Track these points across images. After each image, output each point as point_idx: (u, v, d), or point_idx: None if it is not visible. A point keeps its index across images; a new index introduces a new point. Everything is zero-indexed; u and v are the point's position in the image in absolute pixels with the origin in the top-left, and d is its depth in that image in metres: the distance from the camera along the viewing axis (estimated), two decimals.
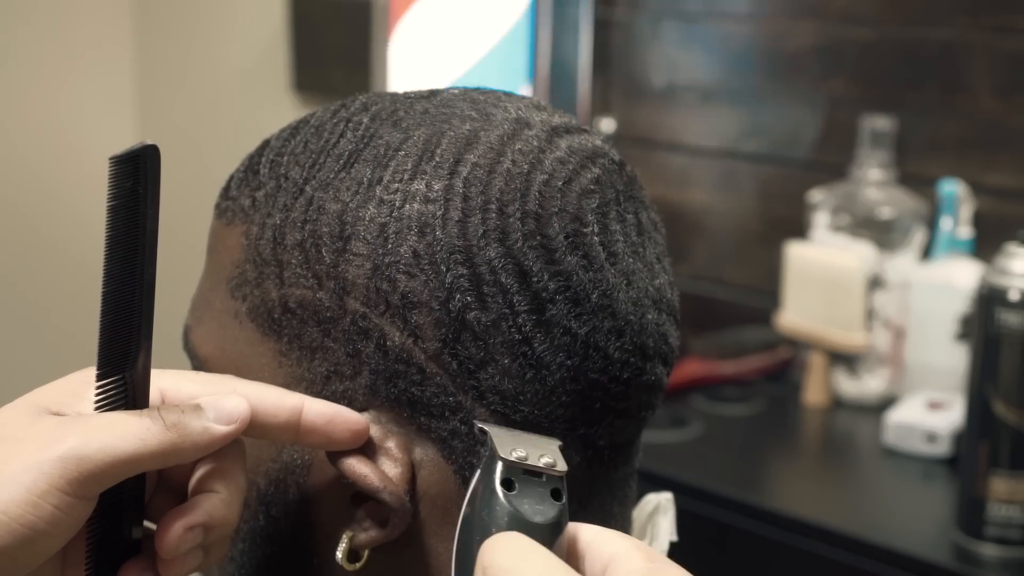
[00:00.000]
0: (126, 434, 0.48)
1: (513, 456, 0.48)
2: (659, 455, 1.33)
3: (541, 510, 0.46)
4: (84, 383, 0.51)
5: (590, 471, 0.55)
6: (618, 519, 0.58)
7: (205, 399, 0.50)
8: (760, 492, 1.34)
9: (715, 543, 1.29)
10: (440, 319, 0.51)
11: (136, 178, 0.47)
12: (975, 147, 1.51)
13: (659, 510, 0.63)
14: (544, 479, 0.48)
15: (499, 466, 0.47)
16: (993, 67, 1.49)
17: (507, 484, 0.47)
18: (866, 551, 1.18)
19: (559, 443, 0.50)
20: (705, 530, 1.28)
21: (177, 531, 0.49)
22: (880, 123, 1.49)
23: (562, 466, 0.48)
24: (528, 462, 0.48)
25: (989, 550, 1.15)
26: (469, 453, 0.52)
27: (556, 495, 0.47)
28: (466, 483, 0.52)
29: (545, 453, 0.48)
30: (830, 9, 1.61)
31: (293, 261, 0.54)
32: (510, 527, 0.45)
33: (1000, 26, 1.48)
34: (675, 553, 0.64)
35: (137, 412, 0.49)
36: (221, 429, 0.49)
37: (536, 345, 0.52)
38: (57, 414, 0.49)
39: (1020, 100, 1.47)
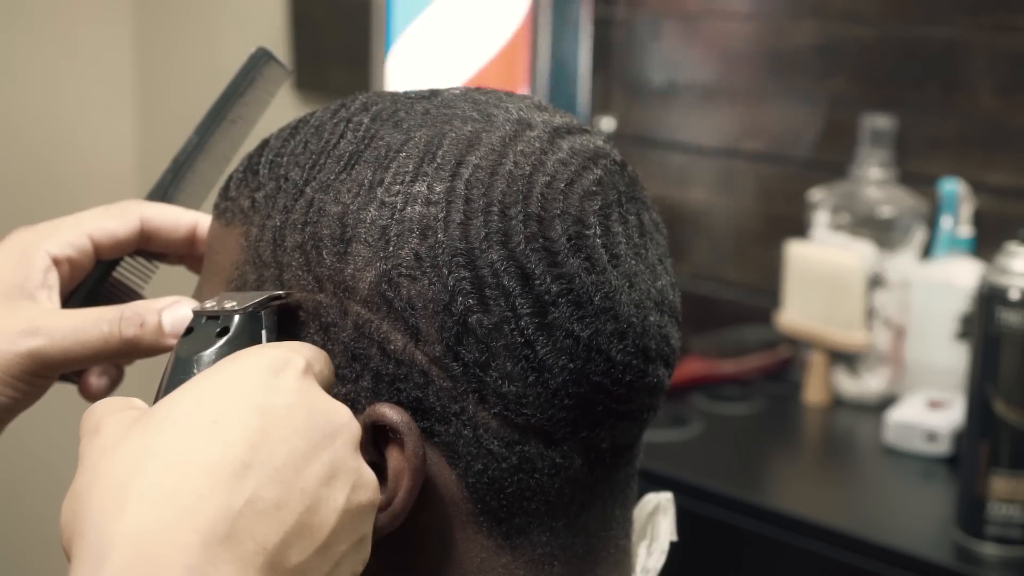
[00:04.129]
0: (86, 343, 0.59)
1: (207, 305, 0.53)
2: (659, 454, 1.33)
3: (194, 346, 0.51)
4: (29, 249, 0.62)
5: (592, 473, 0.55)
6: (619, 520, 0.58)
7: (165, 313, 0.60)
8: (760, 491, 1.34)
9: (715, 542, 1.29)
10: (442, 322, 0.51)
11: (245, 72, 0.68)
12: (975, 146, 1.51)
13: (659, 510, 0.63)
14: (219, 320, 0.52)
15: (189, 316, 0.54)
16: (994, 66, 1.48)
17: (188, 331, 0.53)
18: (866, 550, 1.18)
19: (282, 292, 0.53)
20: (705, 529, 1.28)
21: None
22: (880, 122, 1.49)
23: (246, 306, 0.52)
24: (211, 307, 0.53)
25: (989, 549, 1.15)
26: (473, 458, 0.52)
27: (223, 332, 0.52)
28: (470, 488, 0.53)
29: (243, 300, 0.53)
30: (830, 8, 1.61)
31: (293, 263, 0.54)
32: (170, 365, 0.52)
33: (1001, 25, 1.48)
34: (676, 553, 0.64)
35: (103, 317, 0.59)
36: (171, 342, 0.58)
37: (539, 348, 0.51)
38: (29, 296, 0.61)
39: (1021, 99, 1.47)
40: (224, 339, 0.51)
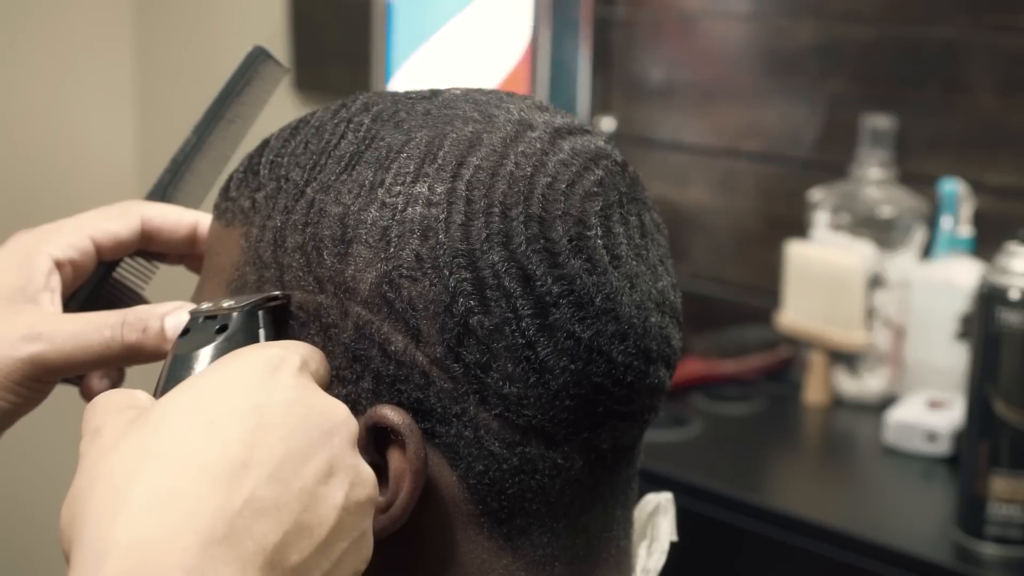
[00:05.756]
0: (88, 348, 0.58)
1: (203, 307, 0.53)
2: (659, 454, 1.33)
3: (193, 344, 0.52)
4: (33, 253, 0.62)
5: (593, 474, 0.55)
6: (620, 521, 0.58)
7: (168, 319, 0.58)
8: (760, 491, 1.34)
9: (715, 543, 1.29)
10: (443, 324, 0.51)
11: (242, 71, 0.68)
12: (975, 146, 1.51)
13: (659, 510, 0.63)
14: (217, 319, 0.52)
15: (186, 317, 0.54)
16: (994, 66, 1.49)
17: (184, 332, 0.53)
18: (866, 550, 1.18)
19: (279, 293, 0.54)
20: (705, 530, 1.28)
21: None
22: (880, 122, 1.49)
23: (243, 304, 0.52)
24: (207, 308, 0.53)
25: (989, 549, 1.15)
26: (474, 459, 0.52)
27: (222, 330, 0.52)
28: (471, 489, 0.53)
29: (240, 301, 0.53)
30: (830, 8, 1.61)
31: (294, 264, 0.54)
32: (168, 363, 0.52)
33: (1001, 25, 1.48)
34: (676, 553, 0.64)
35: (105, 322, 0.58)
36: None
37: (540, 349, 0.51)
38: (31, 299, 0.60)
39: (1021, 99, 1.47)
40: (223, 336, 0.52)
